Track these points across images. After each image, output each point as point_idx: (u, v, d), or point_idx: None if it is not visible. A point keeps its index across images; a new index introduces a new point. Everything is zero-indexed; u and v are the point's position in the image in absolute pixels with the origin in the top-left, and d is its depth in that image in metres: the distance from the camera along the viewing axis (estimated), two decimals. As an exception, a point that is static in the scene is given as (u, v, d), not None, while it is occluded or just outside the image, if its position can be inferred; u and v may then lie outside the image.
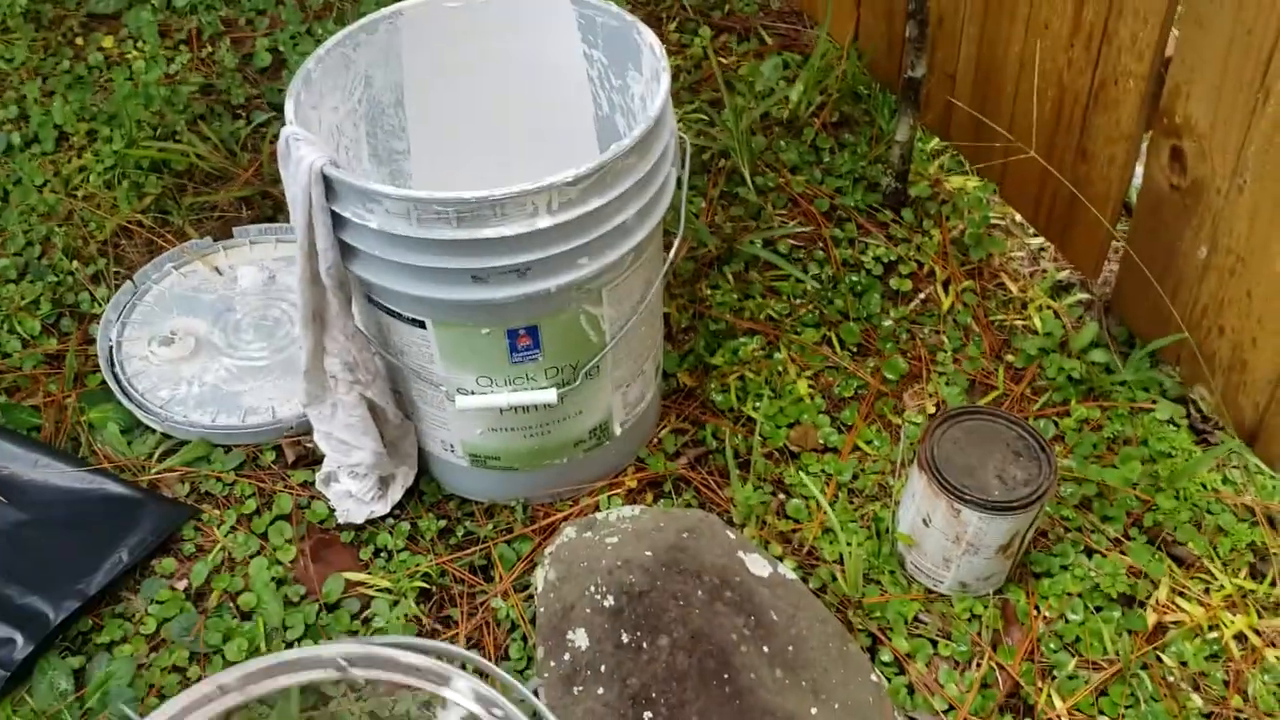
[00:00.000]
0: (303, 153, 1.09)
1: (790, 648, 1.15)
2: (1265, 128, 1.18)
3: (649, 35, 1.24)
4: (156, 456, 1.43)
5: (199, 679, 1.23)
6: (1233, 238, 1.27)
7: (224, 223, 1.74)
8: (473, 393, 1.24)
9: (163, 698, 1.22)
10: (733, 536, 1.24)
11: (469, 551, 1.34)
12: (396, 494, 1.39)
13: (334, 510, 1.37)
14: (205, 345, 1.55)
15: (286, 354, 1.54)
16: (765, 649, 1.14)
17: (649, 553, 1.20)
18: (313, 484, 1.40)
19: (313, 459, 1.43)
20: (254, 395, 1.49)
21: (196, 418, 1.45)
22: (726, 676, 1.11)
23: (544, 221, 1.07)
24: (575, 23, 1.33)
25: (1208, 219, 1.30)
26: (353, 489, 1.37)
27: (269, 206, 1.77)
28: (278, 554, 1.34)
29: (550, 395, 1.24)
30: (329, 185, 1.10)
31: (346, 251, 1.14)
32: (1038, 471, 1.20)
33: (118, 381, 1.49)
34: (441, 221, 1.06)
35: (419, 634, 1.28)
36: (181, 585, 1.32)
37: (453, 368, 1.22)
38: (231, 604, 1.30)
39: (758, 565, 1.21)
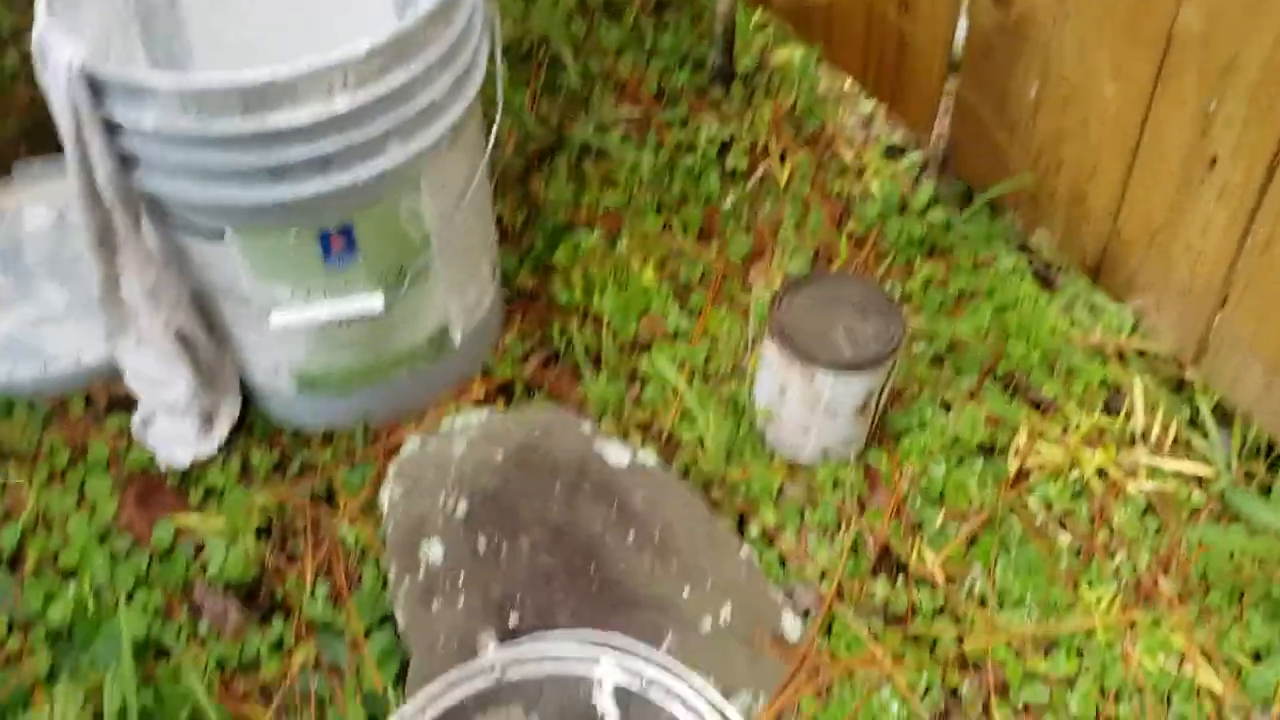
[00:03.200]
0: (60, 51, 0.97)
1: (657, 533, 1.10)
2: (1082, -48, 1.16)
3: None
4: (-55, 417, 1.30)
5: (20, 650, 1.12)
6: (1064, 67, 1.24)
7: (1, 161, 1.58)
8: (289, 307, 1.14)
9: (-20, 674, 1.10)
10: (587, 429, 1.18)
11: (307, 481, 1.25)
12: (223, 430, 1.28)
13: (156, 454, 1.27)
14: (-6, 295, 1.41)
15: (85, 298, 1.41)
16: (631, 538, 1.09)
17: (500, 455, 1.13)
18: (129, 430, 1.28)
19: (127, 404, 1.31)
20: (55, 343, 1.36)
21: (-9, 372, 1.32)
22: (594, 570, 1.06)
23: (341, 102, 0.98)
24: (360, -104, 1.22)
25: (1037, 53, 1.27)
26: (173, 430, 1.26)
27: (51, 139, 1.61)
28: (98, 507, 1.23)
29: (376, 303, 1.15)
30: (95, 87, 0.98)
31: (125, 161, 1.03)
32: (885, 327, 1.17)
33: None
34: (226, 111, 0.96)
35: (263, 572, 1.19)
36: (-10, 552, 1.20)
37: (263, 281, 1.12)
38: (51, 565, 1.19)
39: (615, 455, 1.16)
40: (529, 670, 0.96)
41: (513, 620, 1.03)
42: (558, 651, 0.96)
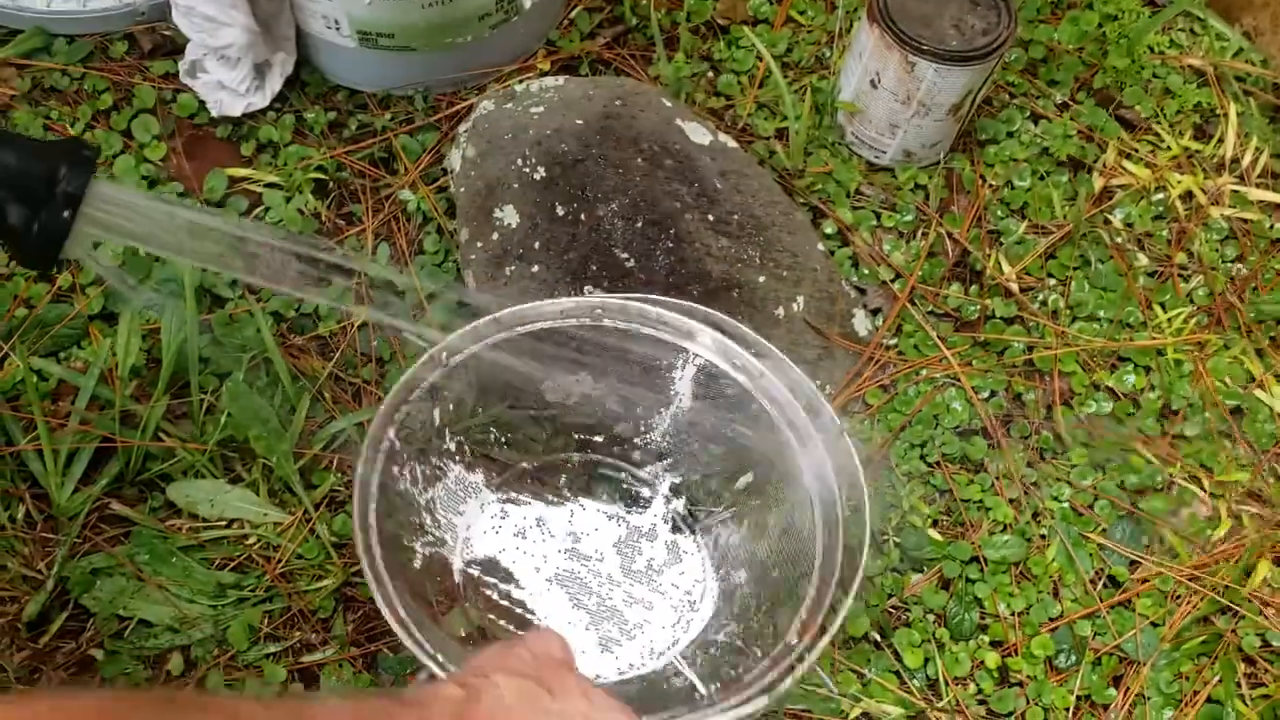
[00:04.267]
0: None
1: (735, 216, 1.06)
2: None
3: None
4: (-16, 48, 1.22)
5: (70, 287, 1.10)
6: None
7: None
8: (359, -53, 1.06)
9: (30, 308, 1.08)
10: (669, 104, 1.12)
11: (366, 144, 1.20)
12: (275, 84, 1.21)
13: (205, 103, 1.20)
14: (22, -78, 1.30)
15: (124, -71, 1.30)
16: (710, 217, 1.05)
17: (580, 121, 1.08)
18: (176, 75, 1.21)
19: (172, 48, 1.24)
20: (93, -23, 1.27)
21: (28, 2, 1.23)
22: (672, 247, 1.03)
23: None
24: None
25: None
26: (224, 79, 1.19)
27: None
28: (145, 152, 1.17)
29: (454, -51, 1.07)
30: None
31: None
32: (996, 20, 1.10)
33: (-80, -37, 1.25)
34: None
35: (319, 231, 1.15)
36: (36, 190, 1.15)
37: (335, -86, 1.04)
38: (99, 206, 1.14)
39: (697, 134, 1.10)
40: (625, 325, 0.92)
41: (588, 289, 1.01)
42: (656, 314, 0.92)
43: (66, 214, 0.70)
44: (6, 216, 0.68)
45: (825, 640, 0.82)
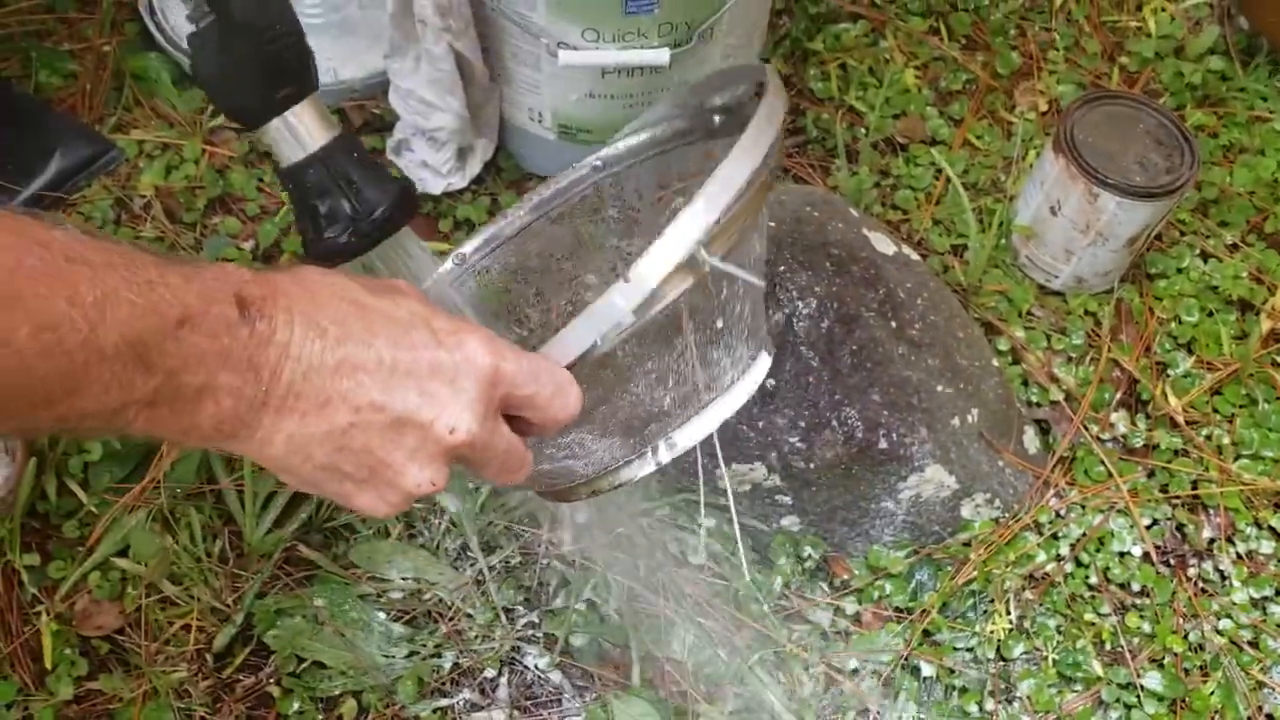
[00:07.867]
0: None
1: (917, 325, 1.10)
2: None
3: None
4: (209, 112, 1.31)
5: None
6: None
7: None
8: (576, 48, 1.13)
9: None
10: (856, 214, 1.17)
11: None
12: (475, 167, 1.29)
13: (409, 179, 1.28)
14: None
15: (345, 13, 1.40)
16: (893, 324, 1.09)
17: (772, 223, 1.12)
18: (383, 151, 1.29)
19: (380, 125, 1.32)
20: (312, 55, 1.36)
21: (252, 73, 1.32)
22: (856, 348, 1.06)
23: None
24: None
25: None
26: (429, 158, 1.27)
27: None
28: (352, 219, 1.25)
29: (662, 56, 1.13)
30: None
31: None
32: (1179, 160, 1.14)
33: (161, 31, 1.35)
34: None
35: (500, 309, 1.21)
36: (248, 245, 1.23)
37: (558, 16, 1.11)
38: (305, 267, 1.21)
39: (882, 244, 1.15)
40: None
41: (770, 383, 1.05)
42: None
43: (366, 241, 0.77)
44: (326, 212, 0.76)
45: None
